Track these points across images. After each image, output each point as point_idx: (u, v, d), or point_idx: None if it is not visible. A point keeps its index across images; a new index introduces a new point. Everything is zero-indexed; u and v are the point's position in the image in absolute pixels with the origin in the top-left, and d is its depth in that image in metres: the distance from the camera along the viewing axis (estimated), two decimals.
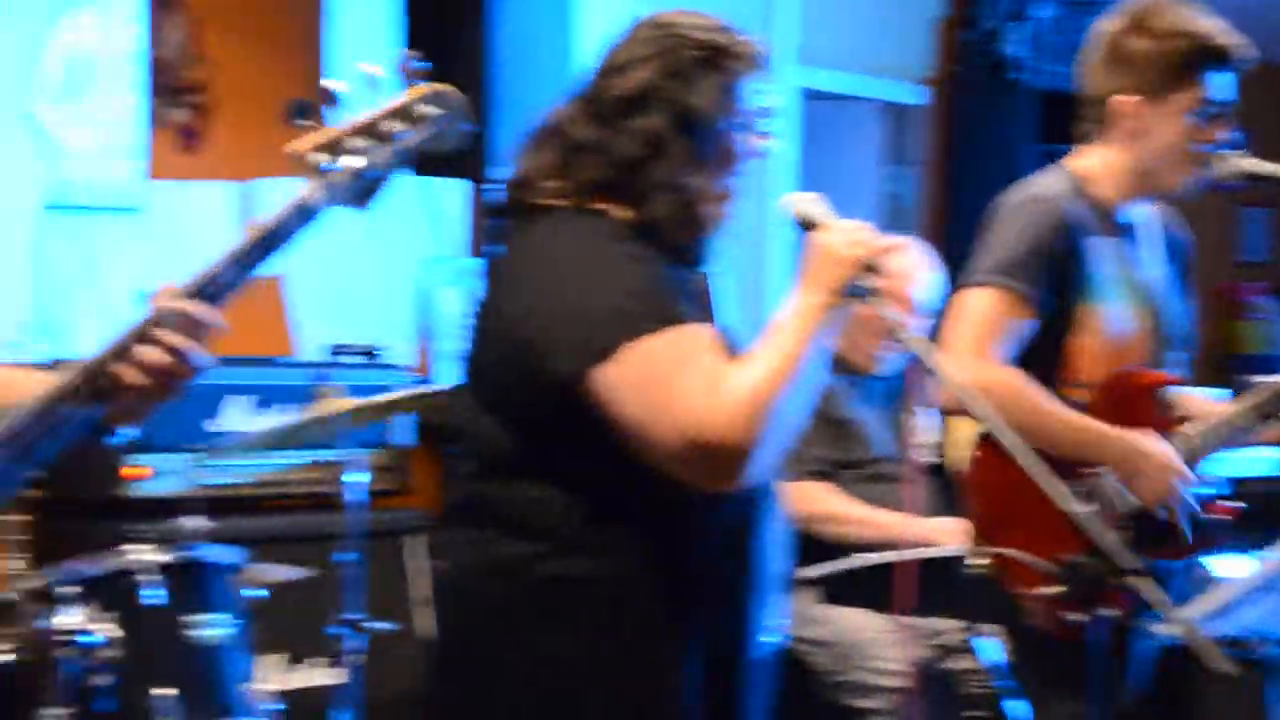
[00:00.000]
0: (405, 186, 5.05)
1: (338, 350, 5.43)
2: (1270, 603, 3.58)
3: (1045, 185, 3.72)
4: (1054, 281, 3.61)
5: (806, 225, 2.77)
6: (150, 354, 2.26)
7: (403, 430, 5.22)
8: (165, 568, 3.58)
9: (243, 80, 5.47)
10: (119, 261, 5.22)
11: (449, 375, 5.77)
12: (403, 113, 2.37)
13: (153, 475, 4.53)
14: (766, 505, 2.84)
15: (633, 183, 2.78)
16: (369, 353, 5.35)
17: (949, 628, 4.25)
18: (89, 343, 4.89)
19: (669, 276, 2.75)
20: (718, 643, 2.80)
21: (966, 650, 4.21)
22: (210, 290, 2.31)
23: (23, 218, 5.03)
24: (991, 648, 4.05)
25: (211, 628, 3.61)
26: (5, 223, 4.95)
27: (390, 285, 5.88)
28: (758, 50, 2.87)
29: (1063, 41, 6.94)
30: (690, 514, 2.74)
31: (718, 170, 2.82)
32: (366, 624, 4.03)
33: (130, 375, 2.27)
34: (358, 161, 2.33)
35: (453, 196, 5.72)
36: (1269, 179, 3.70)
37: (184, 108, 5.38)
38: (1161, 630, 3.48)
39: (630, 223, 2.78)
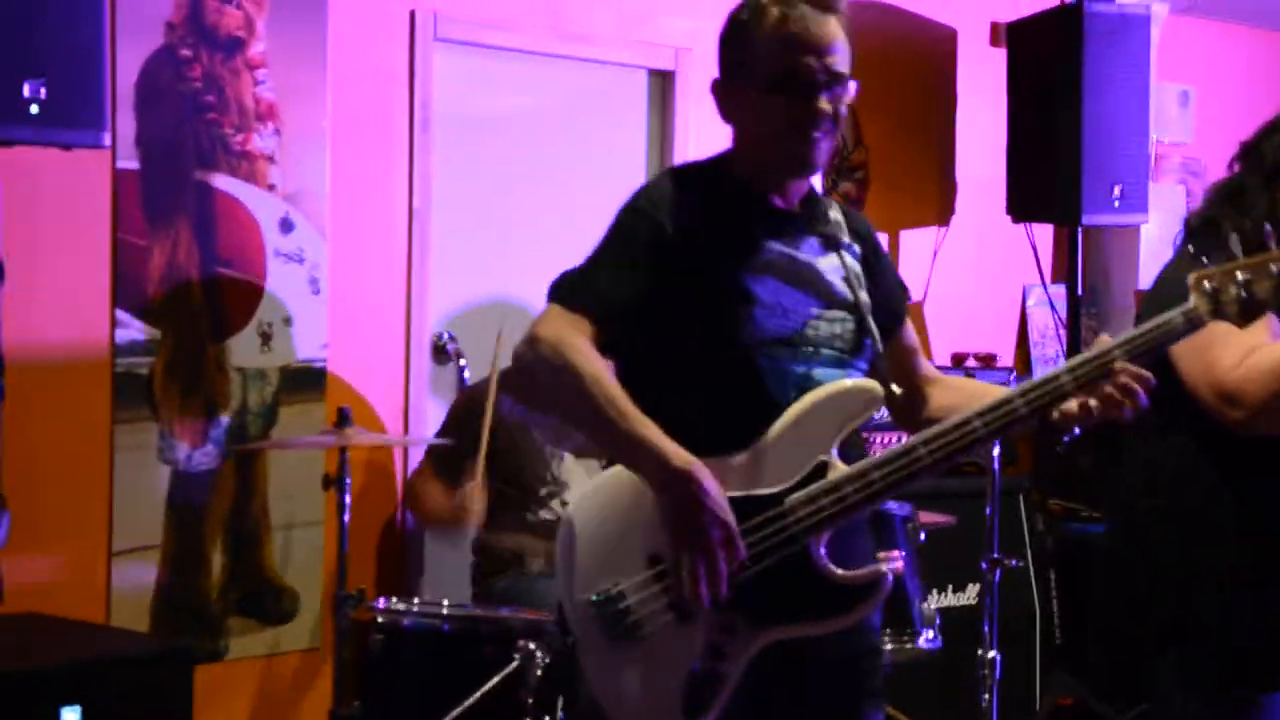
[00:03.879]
0: (1007, 227, 5.06)
1: (959, 356, 5.42)
2: None
3: None
4: None
5: None
6: (1104, 390, 2.21)
7: None
8: None
9: (892, 159, 5.51)
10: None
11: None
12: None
13: None
14: None
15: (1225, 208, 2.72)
16: (989, 358, 5.32)
17: None
18: None
19: None
20: None
21: None
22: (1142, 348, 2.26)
23: None
24: None
25: (893, 561, 3.63)
26: None
27: (999, 305, 5.84)
28: None
29: None
30: (1266, 453, 2.63)
31: None
32: (1001, 560, 4.00)
33: (1078, 394, 2.21)
34: (1242, 293, 2.23)
35: (1044, 235, 5.63)
36: None
37: (850, 182, 5.45)
38: None
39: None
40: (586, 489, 2.34)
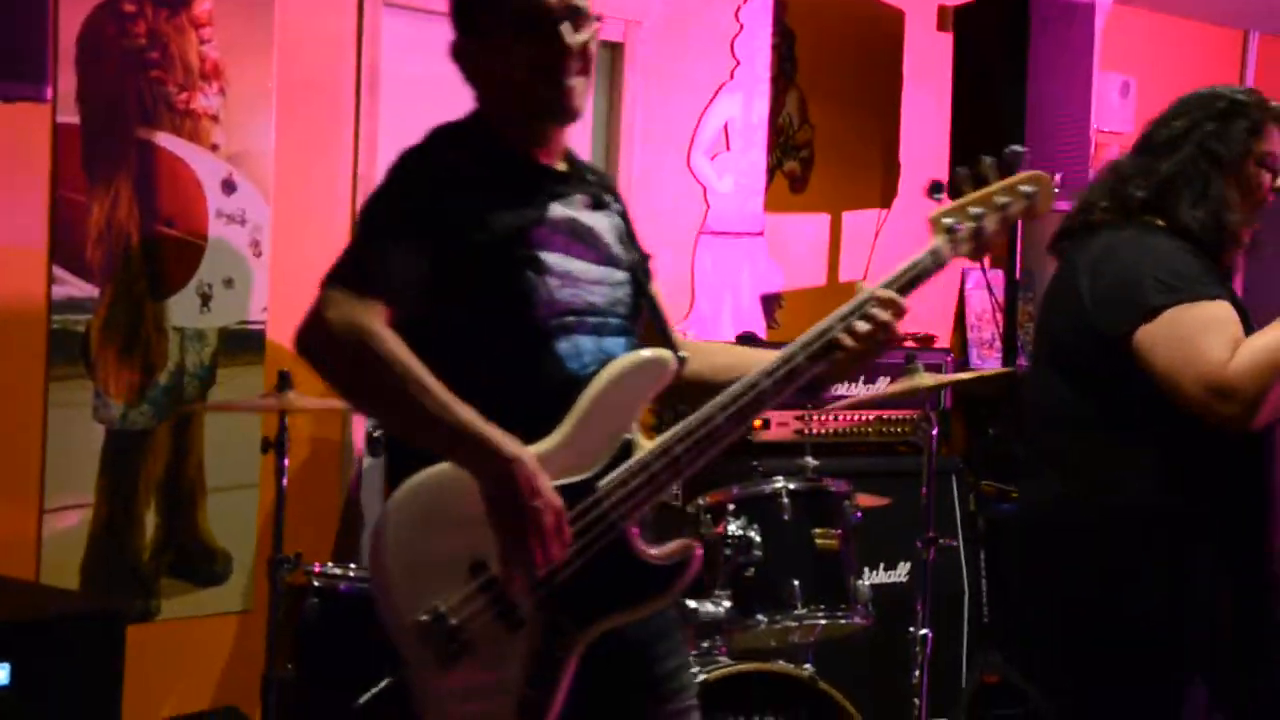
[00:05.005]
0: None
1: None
2: None
3: None
4: None
5: None
6: (866, 325, 2.22)
7: (945, 398, 5.18)
8: (797, 493, 3.63)
9: (837, 140, 5.50)
10: (745, 272, 5.34)
11: (976, 358, 5.78)
12: (1011, 190, 2.35)
13: (763, 425, 4.52)
14: (1271, 447, 2.71)
15: (1165, 197, 2.73)
16: (927, 339, 5.32)
17: None
18: (727, 331, 5.12)
19: (1202, 265, 2.67)
20: (1249, 554, 2.69)
21: None
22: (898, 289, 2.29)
23: (683, 241, 5.17)
24: None
25: (828, 538, 3.64)
26: (670, 245, 5.04)
27: (934, 288, 5.83)
28: (1275, 106, 2.79)
29: None
30: (1221, 452, 2.63)
31: (1236, 195, 2.74)
32: (935, 539, 4.03)
33: (848, 339, 2.22)
34: (976, 224, 2.33)
35: None
36: None
37: (795, 160, 5.43)
38: None
39: (1165, 229, 2.72)
40: (400, 493, 2.15)
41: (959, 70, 5.13)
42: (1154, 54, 6.21)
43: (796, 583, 3.56)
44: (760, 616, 3.54)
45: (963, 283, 5.89)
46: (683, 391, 2.30)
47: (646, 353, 2.23)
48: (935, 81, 5.39)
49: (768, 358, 2.26)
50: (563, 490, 2.11)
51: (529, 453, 2.07)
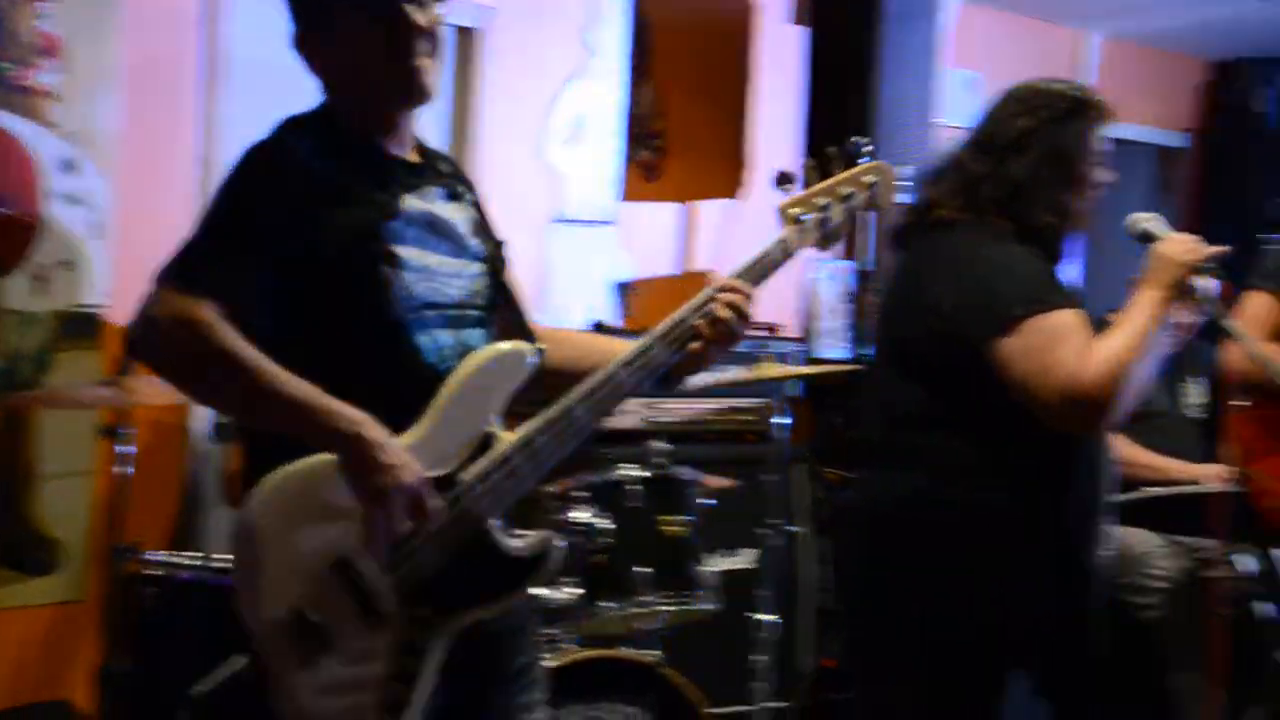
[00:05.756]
0: None
1: None
2: None
3: None
4: None
5: (1149, 238, 2.75)
6: (719, 314, 2.25)
7: (793, 387, 5.24)
8: (644, 480, 3.65)
9: (690, 130, 5.50)
10: (599, 261, 5.33)
11: (824, 348, 5.83)
12: (854, 181, 2.40)
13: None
14: (1100, 448, 2.79)
15: (1013, 202, 2.77)
16: (772, 328, 5.34)
17: (1209, 544, 4.15)
18: (580, 319, 5.10)
19: (1050, 272, 2.74)
20: (1075, 552, 2.76)
21: (1224, 562, 4.11)
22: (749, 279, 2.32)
23: (535, 229, 5.13)
24: (1246, 560, 3.94)
25: (675, 525, 3.66)
26: (523, 233, 4.98)
27: (784, 279, 5.86)
28: (1106, 104, 2.86)
29: None
30: (1054, 453, 2.69)
31: (1077, 194, 2.80)
32: (779, 525, 4.07)
33: (703, 327, 2.25)
34: (822, 215, 2.38)
35: None
36: None
37: (648, 150, 5.43)
38: None
39: (1015, 231, 2.77)
40: (265, 486, 2.13)
41: (812, 63, 5.18)
42: (999, 51, 6.34)
43: (644, 570, 3.57)
44: (607, 603, 3.55)
45: (812, 273, 5.95)
46: (540, 382, 2.29)
47: (505, 345, 2.23)
48: (790, 74, 5.43)
49: (623, 348, 2.27)
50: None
51: (373, 421, 2.05)
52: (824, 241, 2.38)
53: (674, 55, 5.39)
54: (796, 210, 2.36)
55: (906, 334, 2.81)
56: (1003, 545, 2.69)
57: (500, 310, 2.35)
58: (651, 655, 3.66)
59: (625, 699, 3.62)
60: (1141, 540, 4.21)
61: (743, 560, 4.60)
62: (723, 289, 2.27)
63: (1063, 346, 2.59)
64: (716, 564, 4.22)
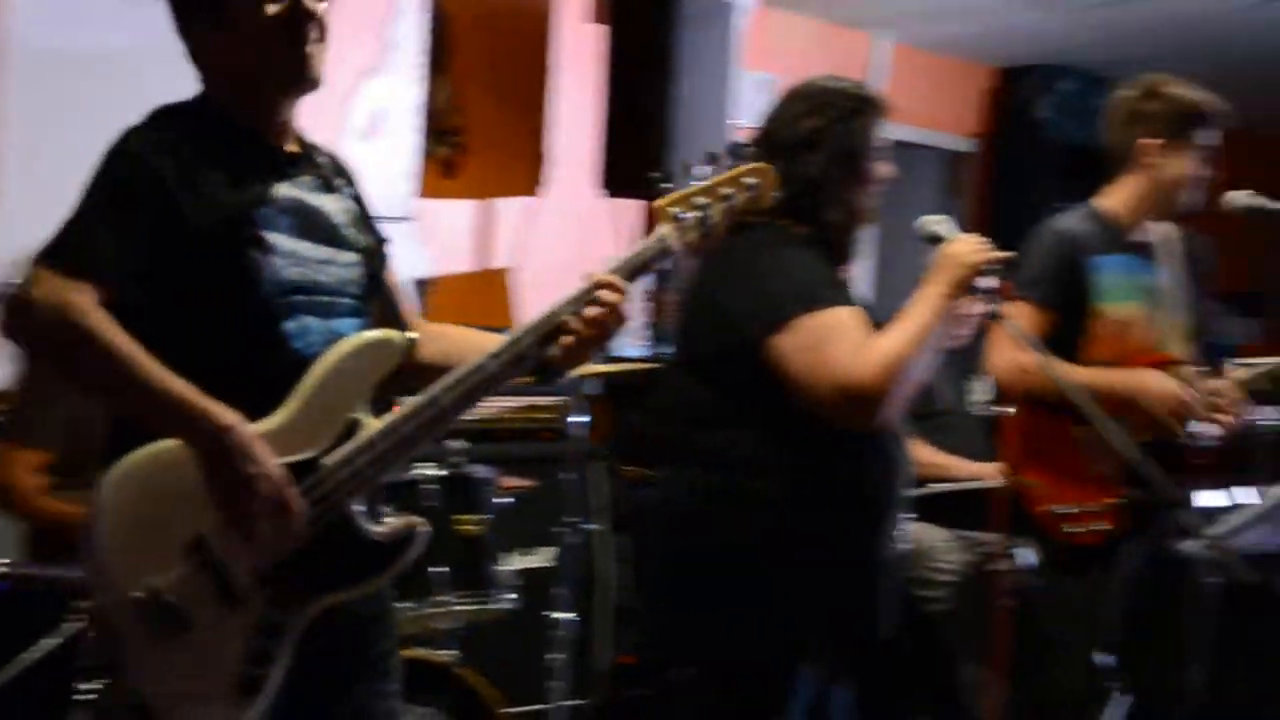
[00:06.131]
0: (602, 199, 5.14)
1: None
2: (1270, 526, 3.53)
3: (1064, 219, 3.65)
4: (1065, 290, 3.54)
5: (936, 239, 2.81)
6: (594, 310, 2.27)
7: (592, 384, 5.24)
8: (440, 479, 3.61)
9: (489, 127, 5.49)
10: (397, 256, 5.27)
11: (623, 347, 5.85)
12: (734, 182, 2.42)
13: None
14: (896, 445, 2.84)
15: (805, 202, 2.81)
16: None
17: (991, 539, 4.26)
18: None
19: (829, 272, 2.78)
20: (868, 546, 2.80)
21: (1006, 556, 4.23)
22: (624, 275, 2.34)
23: None
24: (1025, 554, 4.06)
25: (470, 524, 3.62)
26: None
27: (579, 278, 5.84)
28: (885, 100, 2.92)
29: (1082, 108, 6.91)
30: (845, 449, 2.73)
31: (863, 191, 2.86)
32: (577, 523, 4.07)
33: (576, 323, 2.27)
34: (700, 214, 2.39)
35: (634, 213, 5.72)
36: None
37: (446, 146, 5.40)
38: (1192, 546, 3.41)
39: (803, 233, 2.81)
40: (118, 469, 2.14)
41: (611, 62, 5.20)
42: (795, 54, 6.45)
43: (440, 569, 3.54)
44: (403, 604, 3.51)
45: None
46: (413, 375, 2.32)
47: (373, 333, 2.25)
48: (589, 72, 5.44)
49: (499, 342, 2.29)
50: (285, 468, 2.10)
51: (243, 422, 2.06)
52: (704, 240, 2.39)
53: (473, 51, 5.37)
54: (676, 209, 2.38)
55: (697, 336, 2.85)
56: (790, 540, 2.73)
57: (377, 302, 2.38)
58: (447, 655, 3.63)
59: (421, 700, 3.59)
60: (928, 535, 4.31)
61: (540, 559, 4.61)
62: (597, 284, 2.29)
63: (837, 343, 2.64)
64: (514, 563, 4.23)
